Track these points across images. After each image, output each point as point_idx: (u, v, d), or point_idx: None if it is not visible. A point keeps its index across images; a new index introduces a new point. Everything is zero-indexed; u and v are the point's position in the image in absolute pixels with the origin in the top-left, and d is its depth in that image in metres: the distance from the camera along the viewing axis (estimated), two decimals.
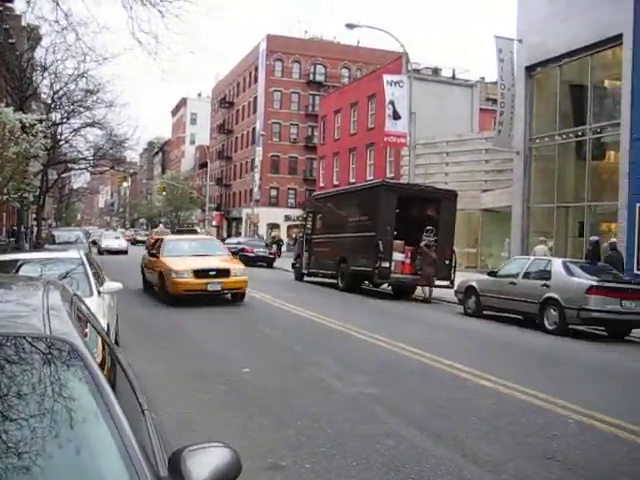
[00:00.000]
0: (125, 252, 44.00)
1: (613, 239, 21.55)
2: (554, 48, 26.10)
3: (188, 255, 17.01)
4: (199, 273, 15.82)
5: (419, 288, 20.65)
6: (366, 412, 6.73)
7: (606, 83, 26.18)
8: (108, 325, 7.19)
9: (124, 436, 1.92)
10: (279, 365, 9.07)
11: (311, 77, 69.11)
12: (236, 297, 16.76)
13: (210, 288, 15.75)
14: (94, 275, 8.15)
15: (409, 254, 20.57)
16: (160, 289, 16.79)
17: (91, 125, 36.61)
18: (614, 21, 23.35)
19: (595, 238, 22.03)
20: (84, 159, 42.15)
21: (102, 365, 2.44)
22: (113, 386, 2.24)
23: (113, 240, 47.59)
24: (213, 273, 15.98)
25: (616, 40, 23.69)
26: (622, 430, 6.39)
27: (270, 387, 7.78)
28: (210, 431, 5.83)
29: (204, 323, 13.39)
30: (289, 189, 69.02)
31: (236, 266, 16.96)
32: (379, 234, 19.95)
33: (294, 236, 52.80)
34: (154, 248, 18.99)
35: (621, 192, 23.20)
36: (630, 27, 22.98)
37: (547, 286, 14.13)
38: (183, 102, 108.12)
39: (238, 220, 74.47)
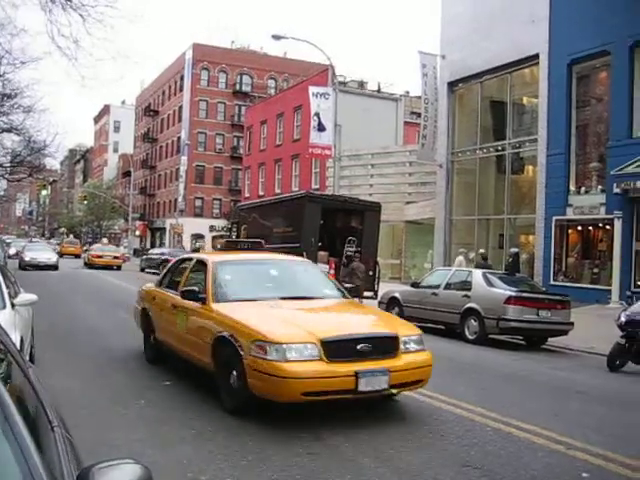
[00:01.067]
0: (55, 267, 36.92)
1: (514, 249, 22.40)
2: (476, 65, 26.87)
3: (275, 298, 8.11)
4: (337, 348, 6.75)
5: None
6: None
7: (524, 100, 27.10)
8: (22, 339, 6.91)
9: (28, 456, 1.84)
10: (198, 378, 8.92)
11: (237, 87, 68.91)
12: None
13: (364, 386, 6.62)
14: (7, 286, 7.81)
15: (333, 265, 20.65)
16: (227, 383, 7.10)
17: (8, 131, 35.34)
18: (531, 41, 24.23)
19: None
20: (0, 166, 40.68)
21: (7, 382, 2.33)
22: (20, 403, 2.15)
23: (40, 252, 38.71)
24: (366, 347, 6.82)
25: (533, 59, 24.59)
26: (537, 436, 6.56)
27: (193, 398, 7.64)
28: (128, 447, 5.67)
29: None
30: (214, 199, 68.49)
31: (407, 330, 7.68)
32: (304, 245, 19.94)
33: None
34: (176, 274, 9.96)
35: (538, 205, 24.02)
36: (546, 47, 23.91)
37: (468, 297, 14.42)
38: (106, 109, 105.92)
39: (162, 230, 73.36)
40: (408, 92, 52.48)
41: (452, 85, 28.97)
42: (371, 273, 20.89)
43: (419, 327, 15.61)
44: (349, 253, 20.46)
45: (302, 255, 19.60)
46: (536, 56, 24.41)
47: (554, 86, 23.65)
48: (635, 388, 10.24)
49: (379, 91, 47.00)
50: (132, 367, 9.71)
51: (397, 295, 16.95)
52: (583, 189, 22.96)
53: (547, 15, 23.95)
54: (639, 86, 21.20)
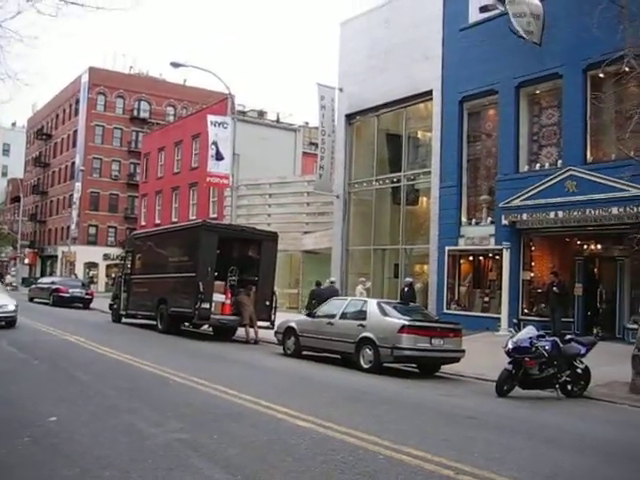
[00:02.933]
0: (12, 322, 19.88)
1: (408, 279, 23.02)
2: (372, 98, 27.53)
3: None
4: None
5: (242, 329, 20.55)
6: (179, 459, 6.47)
7: (419, 134, 27.94)
8: None
9: None
10: (90, 412, 8.52)
11: (135, 113, 67.76)
12: None
13: None
14: None
15: (229, 295, 20.46)
16: None
17: None
18: (426, 78, 25.10)
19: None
20: None
21: None
22: None
23: None
24: None
25: (428, 95, 25.44)
26: (428, 462, 6.61)
27: (78, 436, 7.27)
28: None
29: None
30: (109, 227, 66.68)
31: None
32: (200, 275, 19.68)
33: (113, 276, 50.87)
34: None
35: (432, 236, 24.69)
36: (439, 84, 24.81)
37: (363, 326, 14.55)
38: None
39: (53, 258, 70.65)
40: (307, 123, 53.11)
41: (350, 117, 29.53)
42: (268, 303, 20.83)
43: (315, 357, 15.87)
44: (232, 282, 20.50)
45: (198, 285, 19.42)
46: (430, 92, 25.28)
47: (447, 121, 24.53)
48: (521, 412, 10.55)
49: (278, 121, 47.33)
50: (14, 399, 9.19)
51: (293, 325, 16.90)
52: (474, 221, 23.80)
53: (440, 54, 24.89)
54: (524, 124, 22.32)
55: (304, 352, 16.43)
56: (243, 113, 45.15)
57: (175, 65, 29.90)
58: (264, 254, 21.33)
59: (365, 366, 14.27)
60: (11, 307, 19.51)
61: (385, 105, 27.51)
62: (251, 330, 20.02)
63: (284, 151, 42.80)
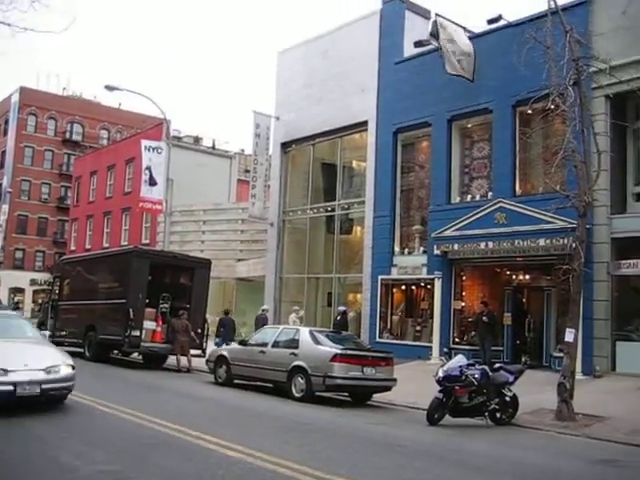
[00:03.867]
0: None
1: (342, 307, 23.18)
2: (308, 127, 27.73)
3: None
4: None
5: (173, 357, 20.19)
6: None
7: (354, 163, 28.22)
8: None
9: None
10: (10, 443, 8.19)
11: (67, 135, 66.45)
12: None
13: None
14: None
15: (161, 322, 20.11)
16: None
17: None
18: (361, 108, 25.45)
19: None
20: None
21: None
22: None
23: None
24: None
25: (363, 126, 25.78)
26: None
27: None
28: None
29: None
30: (37, 251, 64.77)
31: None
32: (130, 301, 19.29)
33: (40, 302, 49.38)
34: None
35: (365, 265, 24.86)
36: (374, 115, 25.20)
37: (295, 354, 14.48)
38: None
39: None
40: (243, 150, 53.19)
41: (285, 146, 29.65)
42: (200, 331, 20.57)
43: (247, 386, 15.69)
44: (163, 310, 20.24)
45: (128, 311, 19.03)
46: (365, 123, 25.63)
47: (381, 152, 24.89)
48: (451, 440, 10.64)
49: (214, 148, 47.22)
50: None
51: (225, 353, 16.70)
52: (407, 250, 24.10)
53: (376, 86, 25.30)
54: (456, 156, 22.84)
55: (236, 381, 16.22)
56: (178, 139, 44.87)
57: (110, 88, 29.46)
58: (196, 281, 21.10)
59: (297, 395, 14.18)
60: (65, 371, 10.67)
61: (321, 134, 27.75)
62: (183, 358, 19.68)
63: (219, 178, 42.61)
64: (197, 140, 49.71)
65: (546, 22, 14.58)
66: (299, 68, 28.69)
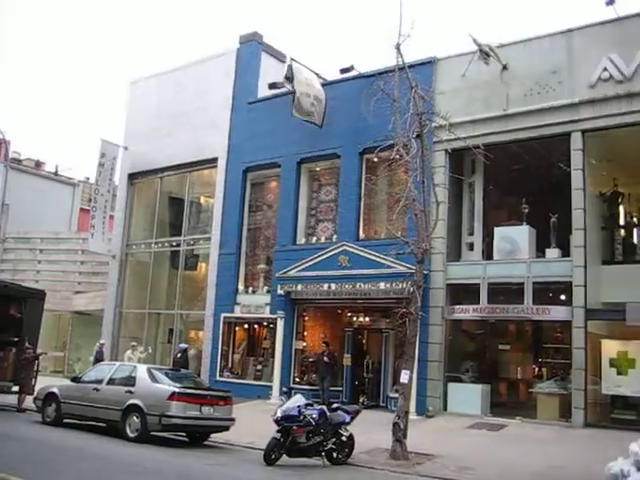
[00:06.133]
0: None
1: (183, 345, 22.86)
2: (157, 160, 27.28)
3: None
4: None
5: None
6: None
7: (202, 199, 28.01)
8: None
9: None
10: None
11: None
12: None
13: None
14: None
15: None
16: None
17: None
18: (212, 145, 25.45)
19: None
20: None
21: None
22: None
23: None
24: None
25: (213, 162, 25.76)
26: None
27: None
28: None
29: None
30: None
31: None
32: None
33: None
34: None
35: (208, 302, 24.57)
36: (224, 153, 25.28)
37: (131, 392, 13.91)
38: None
39: None
40: (88, 178, 51.12)
41: (132, 177, 28.92)
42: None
43: (79, 425, 14.82)
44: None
45: None
46: (215, 159, 25.57)
47: (230, 189, 24.88)
48: None
49: (56, 174, 45.05)
50: None
51: (55, 390, 15.70)
52: (251, 289, 24.08)
53: (228, 123, 25.38)
54: (304, 198, 23.27)
55: (67, 420, 15.31)
56: (18, 161, 42.44)
57: None
58: (29, 313, 19.85)
59: (131, 435, 13.59)
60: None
61: (170, 168, 27.35)
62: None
63: (61, 206, 40.82)
64: (39, 164, 47.13)
65: (394, 76, 15.37)
66: (151, 99, 28.24)
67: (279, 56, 25.96)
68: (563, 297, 18.00)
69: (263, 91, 25.01)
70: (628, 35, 17.20)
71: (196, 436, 14.71)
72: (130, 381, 14.25)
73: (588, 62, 17.59)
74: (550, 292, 18.59)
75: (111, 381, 14.71)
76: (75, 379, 15.90)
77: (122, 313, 28.18)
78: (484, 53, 18.38)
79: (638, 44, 16.89)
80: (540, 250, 18.75)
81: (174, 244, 27.45)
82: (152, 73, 29.08)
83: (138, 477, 9.83)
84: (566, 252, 17.86)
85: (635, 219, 20.48)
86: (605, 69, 17.30)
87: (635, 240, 18.79)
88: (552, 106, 17.97)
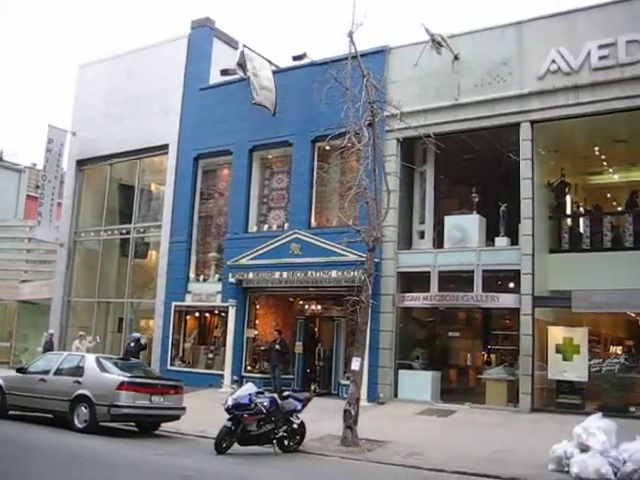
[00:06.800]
0: None
1: (135, 334, 22.62)
2: (107, 146, 26.80)
3: None
4: None
5: None
6: None
7: (153, 187, 27.61)
8: None
9: None
10: None
11: None
12: None
13: None
14: None
15: None
16: None
17: None
18: (163, 132, 25.10)
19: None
20: None
21: None
22: None
23: None
24: None
25: (163, 149, 25.42)
26: None
27: None
28: None
29: None
30: None
31: None
32: None
33: None
34: None
35: (159, 291, 24.31)
36: (176, 139, 24.95)
37: (79, 383, 13.68)
38: None
39: None
40: (35, 164, 49.99)
41: (81, 163, 28.34)
42: None
43: (25, 417, 14.52)
44: None
45: None
46: (166, 146, 25.23)
47: (181, 177, 24.59)
48: (239, 469, 10.56)
49: (1, 159, 43.90)
50: None
51: (0, 382, 15.35)
52: (202, 277, 23.89)
53: (179, 109, 25.05)
54: (256, 186, 23.15)
55: (12, 412, 14.98)
56: None
57: None
58: None
59: (80, 426, 13.37)
60: None
61: (119, 154, 26.86)
62: None
63: (6, 192, 39.77)
64: None
65: (347, 65, 15.35)
66: (101, 84, 27.67)
67: (232, 43, 25.71)
68: (512, 285, 18.33)
69: (215, 78, 24.74)
70: (576, 29, 17.53)
71: (146, 426, 14.57)
72: (78, 371, 14.02)
73: (537, 54, 17.87)
74: (499, 280, 18.93)
75: (58, 371, 14.44)
76: (21, 370, 15.55)
77: (70, 302, 27.68)
78: (436, 43, 18.48)
79: (585, 38, 17.23)
80: (490, 239, 19.05)
81: (124, 232, 27.03)
82: (102, 57, 28.49)
83: (84, 468, 9.69)
84: (515, 241, 18.16)
85: (581, 209, 20.96)
86: (554, 61, 17.61)
87: (581, 229, 19.18)
88: (502, 96, 18.23)
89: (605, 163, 20.83)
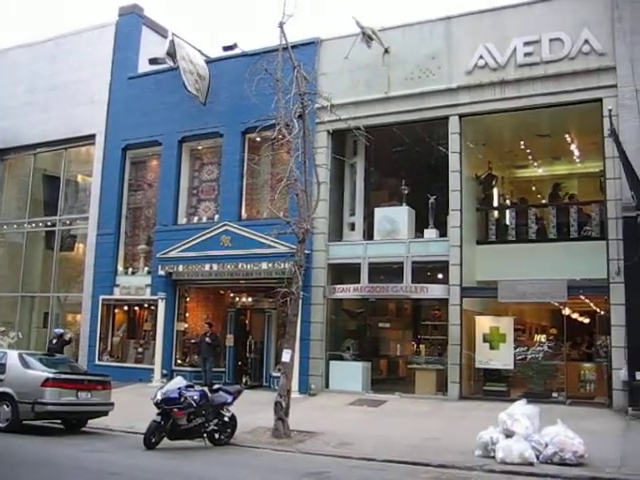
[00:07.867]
0: None
1: (59, 329, 22.02)
2: (30, 136, 25.95)
3: None
4: None
5: None
6: None
7: (80, 178, 26.87)
8: None
9: None
10: None
11: None
12: None
13: None
14: None
15: None
16: None
17: None
18: (90, 121, 24.50)
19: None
20: None
21: None
22: None
23: None
24: None
25: (90, 139, 24.81)
26: None
27: None
28: None
29: None
30: None
31: None
32: None
33: None
34: None
35: (86, 284, 23.76)
36: (103, 129, 24.38)
37: (1, 380, 13.25)
38: None
39: None
40: None
41: (3, 153, 27.35)
42: None
43: None
44: None
45: None
46: (93, 136, 24.59)
47: (108, 168, 24.03)
48: (169, 464, 10.44)
49: None
50: None
51: None
52: (131, 270, 23.44)
53: (106, 99, 24.43)
54: (185, 177, 22.83)
55: None
56: None
57: None
58: None
59: (1, 425, 12.95)
60: None
61: (44, 144, 26.01)
62: None
63: None
64: None
65: (278, 56, 15.25)
66: (23, 71, 26.70)
67: (161, 31, 25.15)
68: (440, 276, 18.67)
69: (144, 67, 24.22)
70: (503, 25, 17.93)
71: (73, 423, 14.22)
72: (0, 368, 13.56)
73: (466, 49, 18.20)
74: (428, 271, 19.24)
75: None
76: None
77: None
78: (367, 36, 18.58)
79: (512, 34, 17.64)
80: (419, 230, 19.33)
81: (49, 224, 26.25)
82: (23, 42, 27.52)
83: (4, 468, 9.38)
84: (443, 232, 18.48)
85: (508, 201, 21.50)
86: (481, 57, 17.97)
87: (507, 221, 19.68)
88: (431, 90, 18.49)
89: (530, 157, 21.43)
